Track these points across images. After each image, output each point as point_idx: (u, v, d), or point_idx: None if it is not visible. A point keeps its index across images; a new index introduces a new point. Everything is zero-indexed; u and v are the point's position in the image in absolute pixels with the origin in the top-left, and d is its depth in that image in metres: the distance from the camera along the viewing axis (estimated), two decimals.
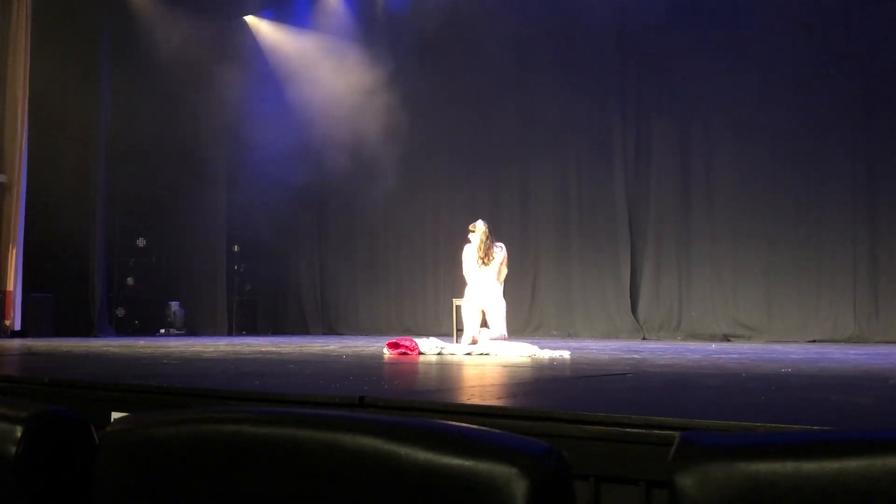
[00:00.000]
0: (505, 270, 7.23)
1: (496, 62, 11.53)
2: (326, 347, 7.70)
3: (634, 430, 2.02)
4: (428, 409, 2.48)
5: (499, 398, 2.84)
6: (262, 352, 6.61)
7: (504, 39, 11.31)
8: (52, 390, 3.41)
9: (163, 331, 12.95)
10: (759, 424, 1.94)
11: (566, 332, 10.72)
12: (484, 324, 7.12)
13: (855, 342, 8.68)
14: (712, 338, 9.62)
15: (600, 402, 2.59)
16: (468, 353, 6.23)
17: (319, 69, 12.51)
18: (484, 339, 6.74)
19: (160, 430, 0.97)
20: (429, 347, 6.30)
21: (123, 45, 12.64)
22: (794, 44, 9.44)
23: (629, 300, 10.52)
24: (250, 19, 13.33)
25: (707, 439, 0.81)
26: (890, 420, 2.27)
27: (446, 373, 4.41)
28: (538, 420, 2.20)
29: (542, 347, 6.28)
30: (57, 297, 11.93)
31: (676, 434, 0.85)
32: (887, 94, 9.02)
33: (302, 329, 13.37)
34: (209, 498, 0.92)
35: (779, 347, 7.66)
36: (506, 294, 7.29)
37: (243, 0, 13.12)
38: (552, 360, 5.52)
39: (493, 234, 7.36)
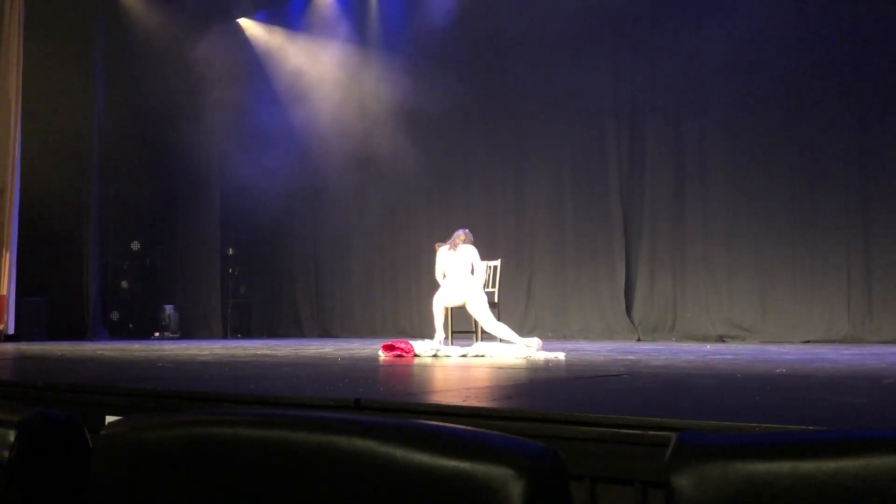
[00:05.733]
0: (480, 267, 7.02)
1: (490, 63, 11.56)
2: (321, 350, 7.69)
3: (630, 431, 2.02)
4: (423, 411, 2.48)
5: (494, 399, 2.84)
6: (257, 355, 6.59)
7: (497, 40, 11.34)
8: (45, 394, 3.39)
9: (157, 334, 12.92)
10: (754, 425, 1.94)
11: (561, 333, 10.71)
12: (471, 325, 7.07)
13: (849, 342, 8.69)
14: (707, 339, 9.62)
15: (596, 403, 2.59)
16: (463, 356, 6.22)
17: (313, 71, 12.51)
18: (496, 339, 6.55)
19: (154, 434, 0.96)
20: (424, 349, 6.29)
21: (116, 49, 12.63)
22: (788, 44, 9.46)
23: (624, 301, 10.53)
24: (243, 22, 13.33)
25: (703, 439, 0.81)
26: (886, 419, 2.27)
27: (441, 375, 4.41)
28: (534, 421, 2.20)
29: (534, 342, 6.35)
30: (50, 300, 11.89)
31: (672, 435, 0.85)
32: (881, 94, 9.04)
33: (297, 332, 13.36)
34: (204, 501, 0.91)
35: (773, 348, 7.67)
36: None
37: (236, 2, 13.12)
38: (547, 361, 5.53)
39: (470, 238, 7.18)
